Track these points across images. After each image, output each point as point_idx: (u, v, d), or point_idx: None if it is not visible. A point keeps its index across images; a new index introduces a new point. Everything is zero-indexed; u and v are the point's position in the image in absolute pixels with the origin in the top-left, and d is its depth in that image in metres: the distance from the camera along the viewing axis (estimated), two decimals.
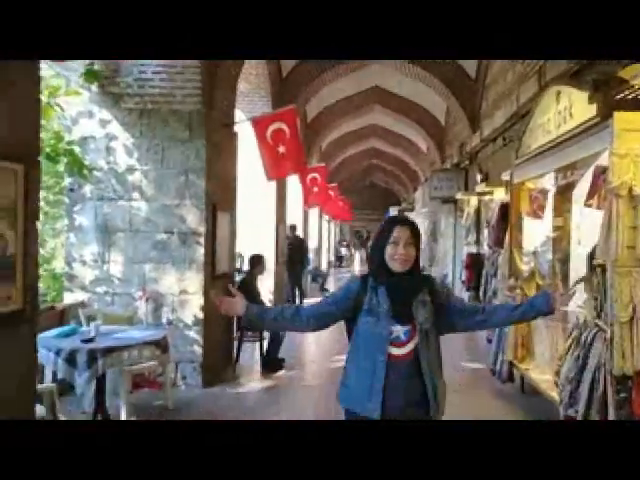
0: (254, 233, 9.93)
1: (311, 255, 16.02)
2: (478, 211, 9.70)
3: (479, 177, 9.10)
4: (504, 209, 7.58)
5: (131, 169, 5.77)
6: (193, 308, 5.77)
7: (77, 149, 5.66)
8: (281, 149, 6.35)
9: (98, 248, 5.77)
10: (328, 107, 14.13)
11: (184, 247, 5.76)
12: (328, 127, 14.75)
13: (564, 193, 5.60)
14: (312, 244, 16.17)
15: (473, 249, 9.85)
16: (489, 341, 8.27)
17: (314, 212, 16.39)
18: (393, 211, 27.87)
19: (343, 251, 31.23)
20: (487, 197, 9.26)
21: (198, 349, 5.77)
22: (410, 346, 2.37)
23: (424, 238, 17.97)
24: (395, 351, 2.36)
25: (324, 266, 19.92)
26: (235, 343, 6.80)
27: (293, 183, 11.85)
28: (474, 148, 9.51)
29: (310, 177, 10.80)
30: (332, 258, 26.53)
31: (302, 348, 8.65)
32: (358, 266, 30.40)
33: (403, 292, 2.41)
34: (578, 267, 5.71)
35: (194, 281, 5.77)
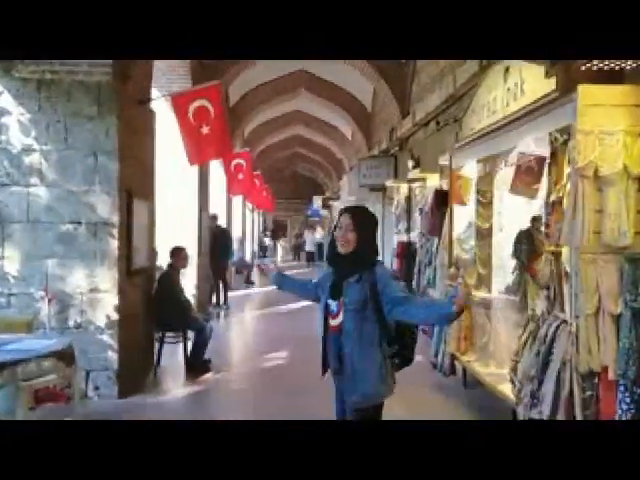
0: (174, 223, 9.20)
1: (235, 245, 15.35)
2: (409, 198, 9.49)
3: (410, 163, 8.87)
4: (439, 195, 7.37)
5: (28, 149, 4.96)
6: (106, 308, 5.07)
7: None
8: (204, 130, 5.74)
9: None
10: (252, 90, 13.49)
11: (94, 239, 5.03)
12: (251, 112, 14.11)
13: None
14: (236, 234, 15.51)
15: (404, 238, 9.65)
16: (424, 332, 8.08)
17: (237, 201, 15.72)
18: (317, 200, 27.62)
19: (267, 241, 30.62)
20: (418, 184, 9.07)
21: (112, 355, 5.08)
22: (339, 319, 2.70)
23: None
24: (331, 322, 2.75)
25: (248, 257, 19.28)
26: (156, 345, 6.14)
27: (216, 169, 11.17)
28: (405, 133, 9.27)
29: (235, 163, 10.19)
30: (256, 248, 25.87)
31: (230, 347, 8.09)
32: (280, 256, 29.95)
33: (338, 271, 2.77)
34: (499, 254, 5.57)
35: (106, 278, 5.06)
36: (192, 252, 9.22)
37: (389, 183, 10.14)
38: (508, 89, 4.18)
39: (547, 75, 3.47)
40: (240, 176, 10.19)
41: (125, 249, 5.26)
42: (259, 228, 29.19)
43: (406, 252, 9.46)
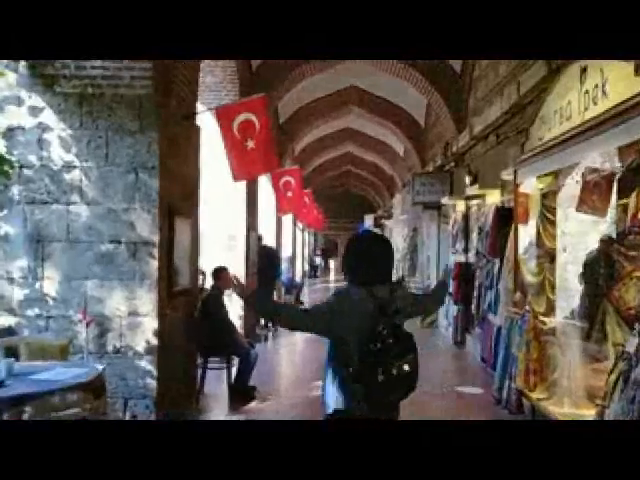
0: (222, 243, 9.00)
1: (285, 265, 15.11)
2: (466, 217, 8.95)
3: (468, 179, 8.35)
4: (500, 213, 6.85)
5: (69, 166, 4.79)
6: (145, 333, 4.80)
7: (1, 142, 4.67)
8: (250, 144, 5.47)
9: (28, 262, 4.77)
10: (302, 108, 13.31)
11: (134, 260, 4.80)
12: (302, 130, 13.93)
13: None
14: (285, 253, 15.26)
15: (461, 258, 9.09)
16: (483, 360, 7.49)
17: (287, 220, 15.50)
18: (368, 219, 27.16)
19: (317, 260, 30.37)
20: (476, 201, 8.53)
21: (152, 382, 4.79)
22: None
23: (403, 246, 17.23)
24: None
25: (298, 276, 19.01)
26: (198, 371, 5.84)
27: (264, 187, 10.97)
28: (461, 148, 8.76)
29: (283, 181, 9.92)
30: (306, 268, 25.63)
31: (277, 373, 7.73)
32: (334, 275, 29.59)
33: None
34: (563, 276, 4.99)
35: (146, 300, 4.80)
36: (240, 273, 9.01)
37: (445, 200, 9.62)
38: (586, 92, 3.68)
39: (638, 72, 2.97)
40: (289, 194, 9.91)
41: (166, 270, 5.00)
42: (309, 247, 28.99)
43: (464, 274, 8.89)
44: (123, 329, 4.80)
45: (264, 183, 10.96)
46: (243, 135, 5.48)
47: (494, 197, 7.23)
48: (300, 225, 20.24)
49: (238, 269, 9.01)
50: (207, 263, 8.81)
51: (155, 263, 4.81)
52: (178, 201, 5.32)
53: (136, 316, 4.81)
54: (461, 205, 9.16)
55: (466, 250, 8.94)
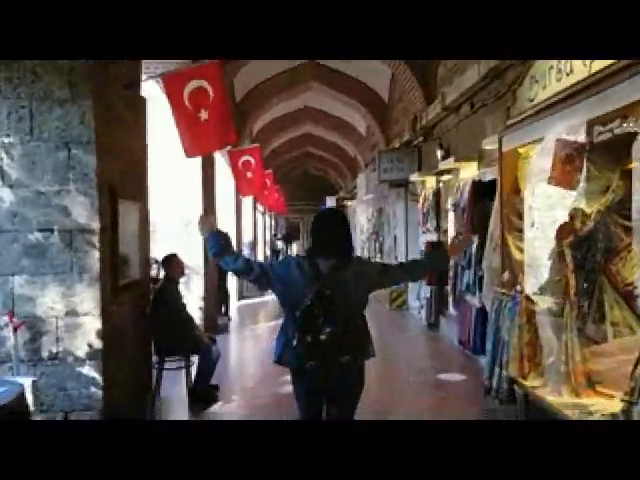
0: (176, 229, 8.30)
1: (246, 251, 14.44)
2: (438, 193, 8.50)
3: (439, 154, 7.88)
4: (476, 187, 6.40)
5: None
6: (87, 335, 4.13)
7: None
8: (203, 115, 4.81)
9: None
10: (259, 85, 12.57)
11: (70, 250, 4.10)
12: (259, 108, 13.19)
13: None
14: (247, 238, 14.59)
15: (433, 237, 8.66)
16: (461, 343, 7.10)
17: (247, 203, 14.80)
18: (330, 201, 26.63)
19: (280, 244, 29.74)
20: (447, 176, 8.08)
21: (97, 391, 4.13)
22: None
23: (367, 227, 16.78)
24: None
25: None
26: (153, 373, 5.19)
27: (222, 167, 10.25)
28: (431, 121, 8.28)
29: (242, 160, 9.25)
30: (268, 252, 24.96)
31: (239, 370, 7.10)
32: None
33: None
34: (531, 253, 4.60)
35: (87, 297, 4.12)
36: (197, 261, 8.35)
37: (414, 177, 9.14)
38: None
39: None
40: (249, 175, 9.25)
41: (109, 260, 4.33)
42: (271, 231, 28.31)
43: None
44: (60, 332, 4.12)
45: (222, 163, 10.24)
46: (195, 105, 4.80)
47: (469, 171, 6.78)
48: (261, 208, 19.53)
49: (195, 257, 8.35)
50: (162, 251, 8.12)
51: (96, 253, 4.13)
52: (122, 182, 4.62)
53: (75, 316, 4.12)
54: (431, 181, 8.70)
55: (438, 228, 8.51)
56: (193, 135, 4.80)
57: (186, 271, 8.28)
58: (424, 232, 9.00)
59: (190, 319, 5.38)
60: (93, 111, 4.08)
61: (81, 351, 4.12)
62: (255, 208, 16.64)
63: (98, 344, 4.13)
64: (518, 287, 4.48)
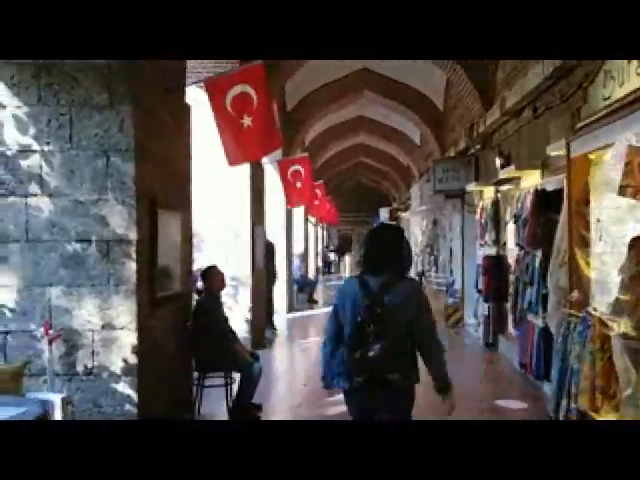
0: (223, 240, 8.17)
1: (297, 262, 14.26)
2: (496, 204, 8.00)
3: (498, 162, 7.41)
4: (540, 197, 5.92)
5: (26, 150, 3.96)
6: (123, 349, 3.96)
7: None
8: (246, 121, 4.63)
9: None
10: (311, 94, 12.40)
11: (107, 261, 3.96)
12: (311, 118, 13.03)
13: None
14: (297, 249, 14.41)
15: (492, 250, 8.15)
16: (522, 366, 6.57)
17: (298, 214, 14.63)
18: (383, 212, 26.20)
19: (332, 256, 29.50)
20: (507, 186, 7.59)
21: (131, 409, 3.95)
22: None
23: (421, 239, 16.28)
24: None
25: (312, 273, 18.16)
26: (194, 390, 4.99)
27: (271, 177, 10.09)
28: (489, 127, 7.81)
29: (292, 170, 9.05)
30: (320, 264, 24.77)
31: (285, 387, 6.83)
32: (349, 271, 28.68)
33: None
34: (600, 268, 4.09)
35: (123, 310, 3.96)
36: (245, 272, 8.19)
37: (470, 187, 8.68)
38: None
39: None
40: (298, 184, 9.04)
41: (147, 272, 4.16)
42: (323, 243, 28.14)
43: (495, 268, 7.96)
44: (96, 345, 3.97)
45: (271, 172, 10.10)
46: (238, 111, 4.62)
47: (531, 180, 6.29)
48: (312, 220, 19.37)
49: (243, 267, 8.18)
50: (209, 262, 8.02)
51: (133, 265, 3.97)
52: (163, 191, 4.48)
53: (111, 329, 3.97)
54: (490, 191, 8.22)
55: (497, 241, 8.01)
56: (236, 142, 4.61)
57: (233, 282, 8.18)
58: (482, 245, 8.50)
59: (230, 333, 5.16)
60: (132, 117, 3.94)
61: (116, 366, 3.96)
62: (306, 219, 16.47)
63: (134, 359, 3.96)
64: (590, 308, 4.00)
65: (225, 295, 7.95)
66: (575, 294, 4.23)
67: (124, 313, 3.97)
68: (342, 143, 18.71)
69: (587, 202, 4.23)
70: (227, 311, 8.02)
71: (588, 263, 4.16)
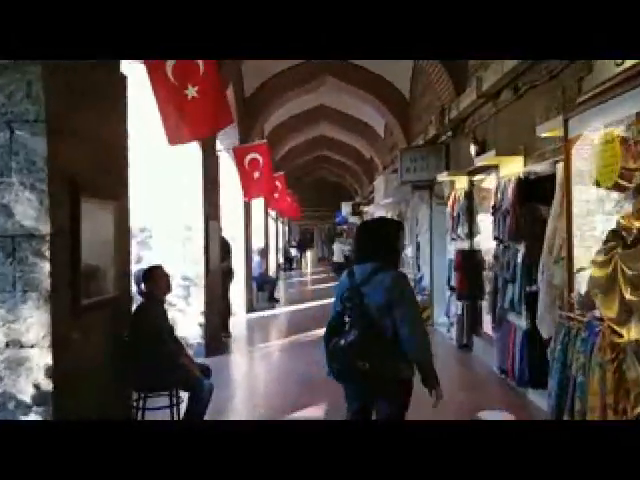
0: (173, 235, 7.36)
1: (256, 258, 13.49)
2: (470, 194, 7.46)
3: (473, 149, 6.85)
4: (523, 186, 5.38)
5: None
6: (34, 373, 3.16)
7: None
8: (191, 92, 3.90)
9: None
10: (270, 79, 11.63)
11: (11, 262, 3.15)
12: (270, 105, 12.24)
13: None
14: (257, 245, 13.64)
15: (464, 245, 7.61)
16: (502, 371, 6.03)
17: (258, 207, 13.84)
18: (345, 207, 25.65)
19: (293, 252, 28.78)
20: (481, 175, 7.06)
21: None
22: None
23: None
24: None
25: (272, 271, 17.41)
26: (133, 414, 4.20)
27: (227, 165, 9.29)
28: (463, 112, 7.24)
29: (249, 158, 8.32)
30: (281, 260, 24.01)
31: (240, 401, 6.06)
32: (310, 267, 28.06)
33: None
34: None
35: (34, 322, 3.17)
36: (198, 271, 7.41)
37: (442, 177, 8.11)
38: None
39: None
40: (256, 174, 8.30)
41: (68, 274, 3.37)
42: (284, 238, 27.39)
43: (469, 263, 7.43)
44: None
45: (227, 162, 9.30)
46: (182, 80, 3.86)
47: (512, 167, 5.74)
48: (273, 214, 18.60)
49: (196, 267, 7.39)
50: (158, 260, 7.22)
51: (46, 265, 3.17)
52: (89, 175, 3.67)
53: (19, 347, 3.16)
54: (462, 181, 7.67)
55: (470, 235, 7.47)
56: (179, 117, 3.87)
57: (184, 282, 7.38)
58: (454, 239, 7.95)
59: (176, 344, 4.39)
60: (43, 80, 3.14)
61: (25, 394, 3.16)
62: (267, 213, 15.69)
63: (48, 385, 3.16)
64: (596, 312, 3.43)
65: (175, 297, 7.20)
66: (575, 295, 3.67)
67: (35, 326, 3.17)
68: (303, 134, 18.01)
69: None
70: (178, 315, 7.31)
71: (596, 260, 3.58)
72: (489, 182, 6.83)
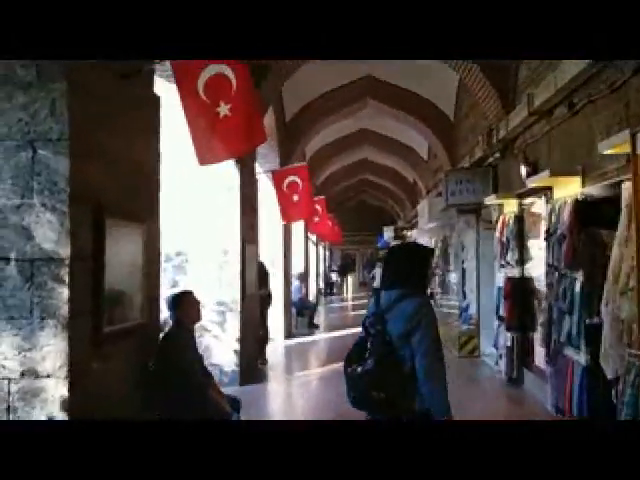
0: (209, 260, 7.20)
1: (296, 283, 13.26)
2: (520, 219, 7.03)
3: (524, 170, 6.45)
4: (581, 209, 4.96)
5: None
6: (49, 404, 2.96)
7: None
8: (223, 110, 3.69)
9: None
10: (311, 103, 11.52)
11: (30, 286, 2.99)
12: (311, 129, 12.13)
13: None
14: (297, 270, 13.42)
15: (514, 272, 7.15)
16: (558, 410, 5.53)
17: (298, 231, 13.66)
18: (387, 231, 25.23)
19: (334, 277, 28.47)
20: (532, 198, 6.64)
21: None
22: None
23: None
24: None
25: (312, 296, 17.14)
26: None
27: (266, 188, 9.14)
28: (512, 131, 6.87)
29: (288, 181, 8.10)
30: (321, 285, 23.73)
31: None
32: (351, 293, 27.65)
33: None
34: None
35: (51, 350, 2.98)
36: (234, 296, 7.21)
37: (489, 200, 7.70)
38: None
39: None
40: (295, 198, 8.08)
41: (89, 300, 3.18)
42: (325, 263, 27.15)
43: (519, 292, 6.97)
44: (13, 399, 2.97)
45: (266, 185, 9.15)
46: (213, 97, 3.68)
47: (568, 188, 5.32)
48: (314, 238, 18.41)
49: (232, 292, 7.19)
50: (194, 285, 7.07)
51: (64, 291, 2.99)
52: (116, 197, 3.52)
53: (34, 377, 2.97)
54: (512, 205, 7.24)
55: (521, 261, 7.01)
56: (211, 136, 3.67)
57: (220, 308, 7.18)
58: (502, 266, 7.49)
59: (205, 376, 4.13)
60: (67, 97, 3.00)
61: None
62: (307, 237, 15.50)
63: (63, 417, 2.95)
64: None
65: (210, 322, 7.02)
66: None
67: (52, 355, 2.97)
68: (344, 159, 17.83)
69: None
70: (212, 341, 7.11)
71: None
72: (539, 206, 6.41)
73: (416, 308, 2.74)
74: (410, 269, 2.87)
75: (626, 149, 3.57)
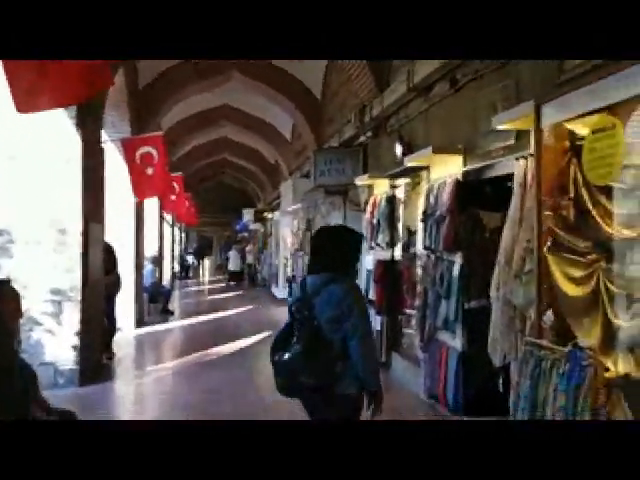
0: (44, 240, 6.04)
1: (149, 267, 12.12)
2: (392, 200, 6.82)
3: (399, 149, 6.22)
4: (463, 189, 4.81)
5: None
6: None
7: None
8: (149, 171, 2.84)
9: None
10: (170, 69, 10.39)
11: None
12: (169, 99, 11.01)
13: None
14: (150, 252, 12.27)
15: (385, 254, 6.96)
16: (431, 396, 5.41)
17: (151, 209, 12.47)
18: (247, 214, 24.59)
19: (190, 260, 27.21)
20: (405, 179, 6.47)
21: None
22: None
23: (292, 241, 14.97)
24: None
25: (167, 280, 15.99)
26: None
27: (115, 160, 7.99)
28: (388, 109, 6.61)
29: (141, 152, 7.09)
30: (177, 268, 22.45)
31: None
32: (208, 276, 26.65)
33: None
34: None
35: None
36: (75, 281, 6.15)
37: (361, 181, 7.42)
38: None
39: None
40: (149, 171, 7.09)
41: None
42: (181, 245, 25.80)
43: (389, 275, 6.80)
44: None
45: (116, 157, 7.99)
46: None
47: (446, 169, 5.13)
48: (169, 218, 17.17)
49: (71, 277, 6.09)
50: (20, 269, 5.95)
51: None
52: None
53: None
54: (383, 186, 7.02)
55: (392, 244, 6.83)
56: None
57: (55, 297, 6.07)
58: (372, 248, 7.28)
59: (22, 378, 3.20)
60: None
61: None
62: (162, 217, 14.30)
63: None
64: (581, 341, 2.79)
65: (41, 314, 5.91)
66: (549, 317, 3.01)
67: None
68: (204, 135, 16.78)
69: (565, 190, 3.02)
70: (46, 336, 5.99)
71: (570, 277, 2.94)
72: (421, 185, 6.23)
73: (346, 292, 2.73)
74: (339, 254, 2.83)
75: (521, 125, 3.34)
